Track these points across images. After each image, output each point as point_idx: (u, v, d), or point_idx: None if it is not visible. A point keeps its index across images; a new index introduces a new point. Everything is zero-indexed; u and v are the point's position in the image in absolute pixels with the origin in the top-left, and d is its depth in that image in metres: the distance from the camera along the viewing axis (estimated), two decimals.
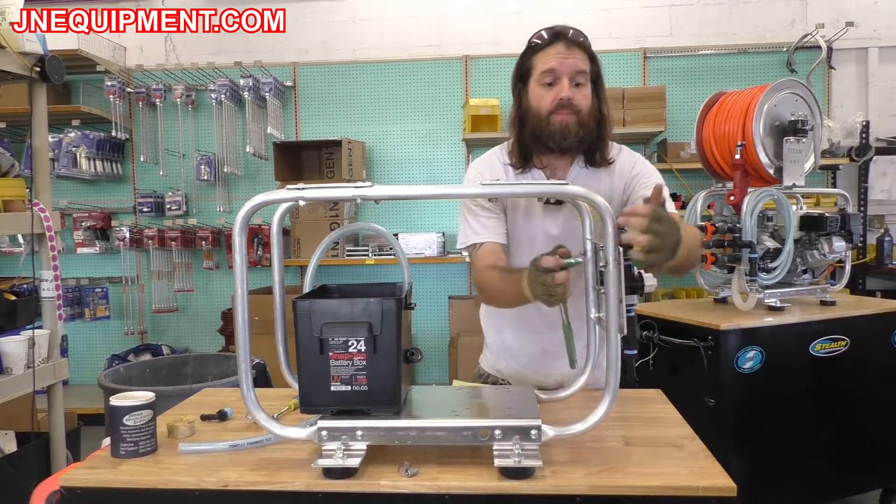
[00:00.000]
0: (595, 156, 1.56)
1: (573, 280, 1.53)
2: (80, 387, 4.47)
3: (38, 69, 2.33)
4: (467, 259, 1.64)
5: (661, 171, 1.63)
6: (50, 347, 2.43)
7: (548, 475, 1.04)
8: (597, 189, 1.53)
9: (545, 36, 1.52)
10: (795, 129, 2.60)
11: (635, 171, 1.57)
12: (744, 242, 2.52)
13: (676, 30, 4.38)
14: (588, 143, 1.54)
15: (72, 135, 4.27)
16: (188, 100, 4.44)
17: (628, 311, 1.09)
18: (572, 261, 1.19)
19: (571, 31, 1.51)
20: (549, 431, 1.07)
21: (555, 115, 1.50)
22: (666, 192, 1.53)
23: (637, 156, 1.62)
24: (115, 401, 1.15)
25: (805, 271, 2.79)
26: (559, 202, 1.55)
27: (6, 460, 2.28)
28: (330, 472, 1.04)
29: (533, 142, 1.55)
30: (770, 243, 2.63)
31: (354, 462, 1.04)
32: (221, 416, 1.36)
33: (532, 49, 1.54)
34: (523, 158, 1.58)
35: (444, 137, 4.49)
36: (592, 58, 1.53)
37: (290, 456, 1.14)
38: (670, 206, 1.52)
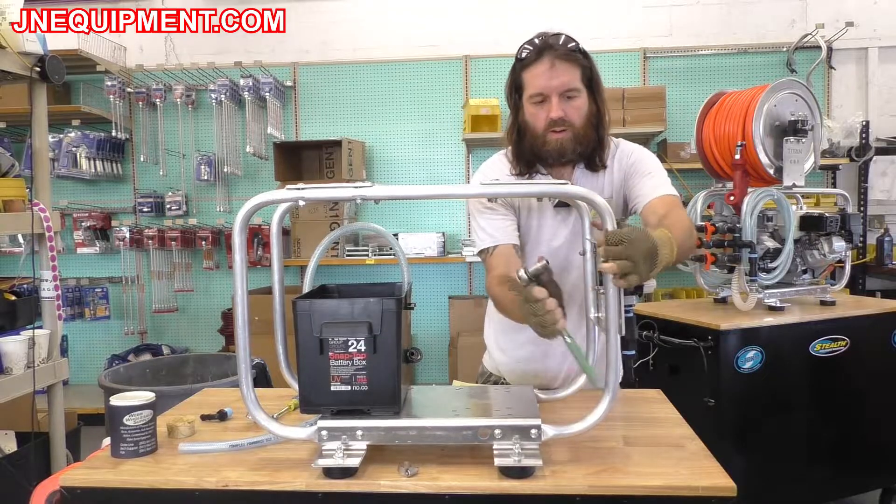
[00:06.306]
0: (595, 160, 1.57)
1: (571, 287, 1.54)
2: (80, 387, 4.47)
3: (38, 69, 2.33)
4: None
5: None
6: (50, 347, 2.43)
7: (548, 475, 1.04)
8: (599, 189, 1.54)
9: (532, 48, 1.49)
10: (795, 129, 2.60)
11: (631, 159, 1.57)
12: (744, 242, 2.52)
13: (676, 30, 4.38)
14: (589, 150, 1.54)
15: (72, 135, 4.28)
16: (188, 100, 4.44)
17: (626, 311, 1.09)
18: (567, 340, 1.11)
19: (559, 41, 1.48)
20: (549, 431, 1.07)
21: (550, 134, 1.50)
22: (655, 169, 1.53)
23: (633, 146, 1.61)
24: (115, 401, 1.15)
25: (805, 271, 2.79)
26: (566, 204, 1.54)
27: (6, 460, 2.28)
28: (330, 472, 1.04)
29: (532, 156, 1.56)
30: (770, 243, 2.63)
31: (354, 462, 1.04)
32: (221, 416, 1.36)
33: (521, 63, 1.52)
34: (526, 166, 1.58)
35: (444, 137, 4.49)
36: (583, 63, 1.49)
37: (290, 456, 1.14)
38: (661, 183, 1.51)
